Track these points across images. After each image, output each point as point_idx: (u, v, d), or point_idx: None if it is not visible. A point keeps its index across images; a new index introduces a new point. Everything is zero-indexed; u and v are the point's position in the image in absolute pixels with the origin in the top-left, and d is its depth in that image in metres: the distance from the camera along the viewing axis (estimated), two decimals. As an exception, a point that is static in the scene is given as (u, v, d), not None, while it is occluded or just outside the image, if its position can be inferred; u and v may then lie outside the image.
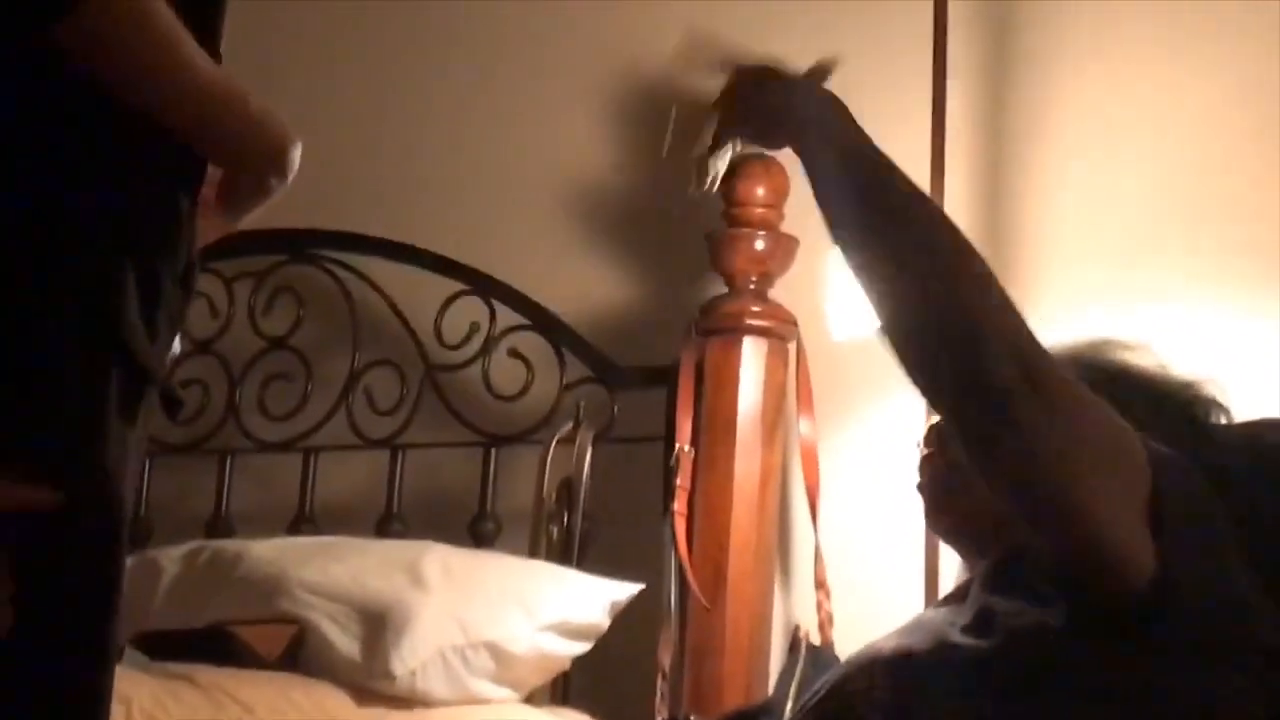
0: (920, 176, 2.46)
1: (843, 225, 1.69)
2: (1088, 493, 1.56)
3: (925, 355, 1.61)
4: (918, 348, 1.62)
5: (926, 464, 1.97)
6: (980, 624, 1.70)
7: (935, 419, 2.00)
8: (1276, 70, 2.70)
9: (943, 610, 1.86)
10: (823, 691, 1.76)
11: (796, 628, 2.62)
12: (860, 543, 2.83)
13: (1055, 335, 2.37)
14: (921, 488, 1.97)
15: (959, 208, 2.79)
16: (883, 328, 1.67)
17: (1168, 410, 1.83)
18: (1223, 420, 1.88)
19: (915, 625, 1.87)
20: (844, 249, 1.70)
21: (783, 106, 1.76)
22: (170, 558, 2.69)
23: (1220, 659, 1.62)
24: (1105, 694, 1.61)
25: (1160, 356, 1.91)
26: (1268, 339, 2.59)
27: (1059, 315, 2.68)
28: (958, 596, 1.86)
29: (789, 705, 2.22)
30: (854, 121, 1.73)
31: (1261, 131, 2.69)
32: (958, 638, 1.72)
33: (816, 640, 2.60)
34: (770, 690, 2.56)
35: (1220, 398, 1.88)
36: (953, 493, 1.90)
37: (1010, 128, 2.90)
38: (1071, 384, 1.62)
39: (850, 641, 2.31)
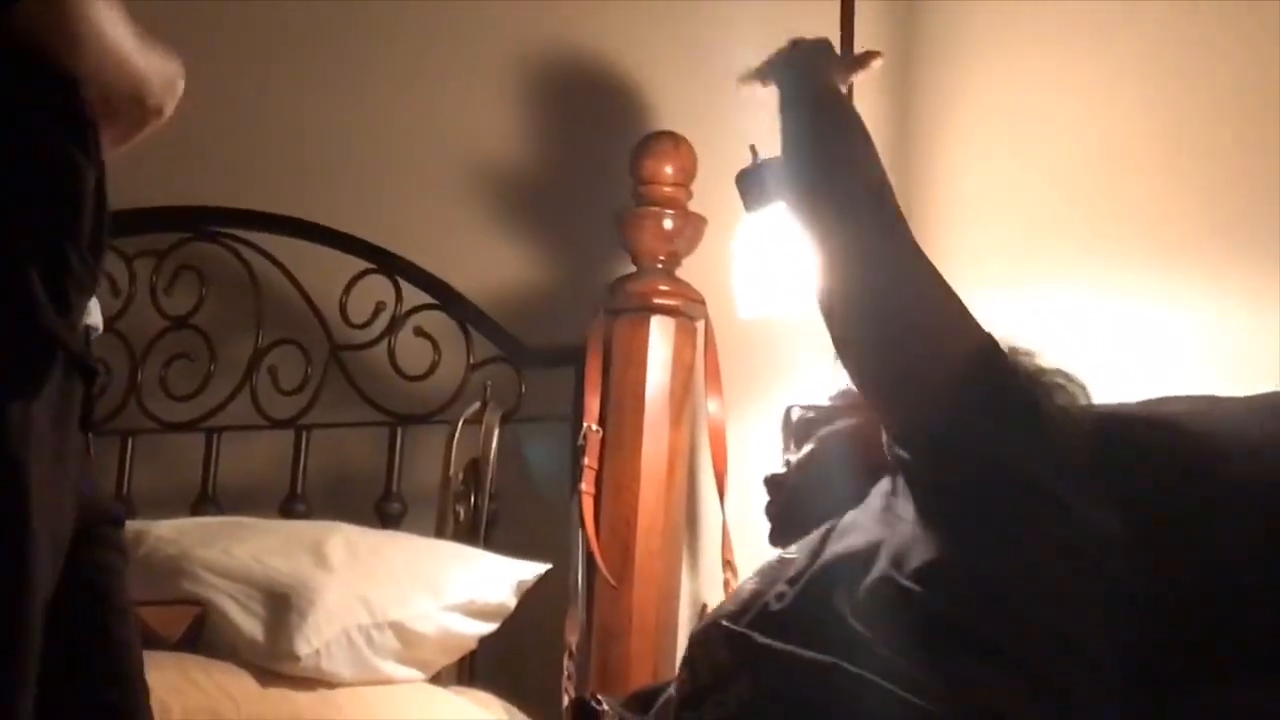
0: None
1: (792, 175, 1.87)
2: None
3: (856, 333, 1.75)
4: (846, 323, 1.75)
5: (774, 488, 2.06)
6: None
7: (774, 469, 2.10)
8: (1173, 63, 2.72)
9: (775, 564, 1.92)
10: (683, 660, 1.82)
11: (704, 607, 2.63)
12: (767, 522, 2.70)
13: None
14: (769, 510, 2.05)
15: None
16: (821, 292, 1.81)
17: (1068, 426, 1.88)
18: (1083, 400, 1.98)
19: (771, 567, 1.93)
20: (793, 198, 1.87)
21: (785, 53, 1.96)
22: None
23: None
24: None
25: (1040, 357, 1.97)
26: (1161, 322, 2.62)
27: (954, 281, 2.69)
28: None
29: None
30: (833, 89, 1.94)
31: (1159, 122, 2.71)
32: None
33: None
34: (677, 669, 2.37)
35: (1083, 389, 1.96)
36: (795, 527, 1.94)
37: (915, 122, 2.91)
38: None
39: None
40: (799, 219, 1.89)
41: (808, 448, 2.10)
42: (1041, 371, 1.98)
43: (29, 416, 1.60)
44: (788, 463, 2.12)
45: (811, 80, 1.97)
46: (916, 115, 2.91)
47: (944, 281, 1.83)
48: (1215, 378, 2.28)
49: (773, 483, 2.12)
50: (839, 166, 1.87)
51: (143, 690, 1.90)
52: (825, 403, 2.12)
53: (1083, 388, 2.01)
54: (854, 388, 2.00)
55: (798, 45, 2.05)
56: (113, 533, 1.92)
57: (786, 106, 1.95)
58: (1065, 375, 1.99)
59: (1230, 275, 2.65)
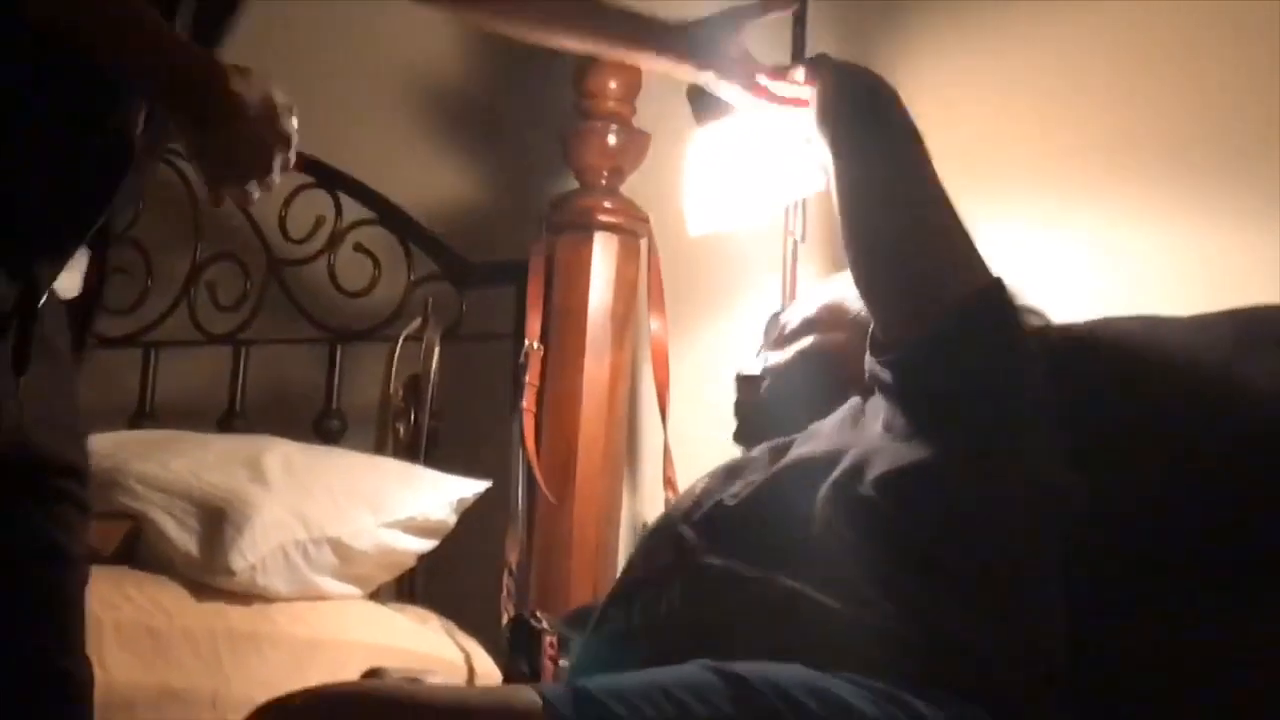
0: (775, 52, 2.44)
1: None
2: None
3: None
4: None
5: (746, 386, 2.05)
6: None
7: (747, 366, 2.10)
8: (1093, 66, 2.70)
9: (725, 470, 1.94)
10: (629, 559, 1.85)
11: (644, 524, 2.63)
12: (708, 441, 2.68)
13: None
14: (739, 408, 2.06)
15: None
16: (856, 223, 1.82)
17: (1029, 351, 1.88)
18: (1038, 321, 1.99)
19: (721, 472, 1.95)
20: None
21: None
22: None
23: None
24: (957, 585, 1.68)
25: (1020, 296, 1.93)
26: (1125, 245, 2.59)
27: None
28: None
29: None
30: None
31: (1082, 113, 2.69)
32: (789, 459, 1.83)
33: None
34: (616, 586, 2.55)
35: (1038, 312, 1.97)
36: (761, 430, 1.97)
37: (869, 35, 2.85)
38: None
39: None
40: (845, 115, 1.89)
41: (787, 354, 2.09)
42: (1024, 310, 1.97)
43: None
44: (765, 362, 2.11)
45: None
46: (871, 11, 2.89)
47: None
48: (1182, 299, 2.25)
49: (745, 380, 2.12)
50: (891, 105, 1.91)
51: (88, 658, 1.86)
52: (811, 312, 2.12)
53: (1047, 321, 2.03)
54: (838, 302, 2.01)
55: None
56: (74, 486, 1.86)
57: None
58: (1034, 311, 1.99)
59: (1192, 195, 2.63)
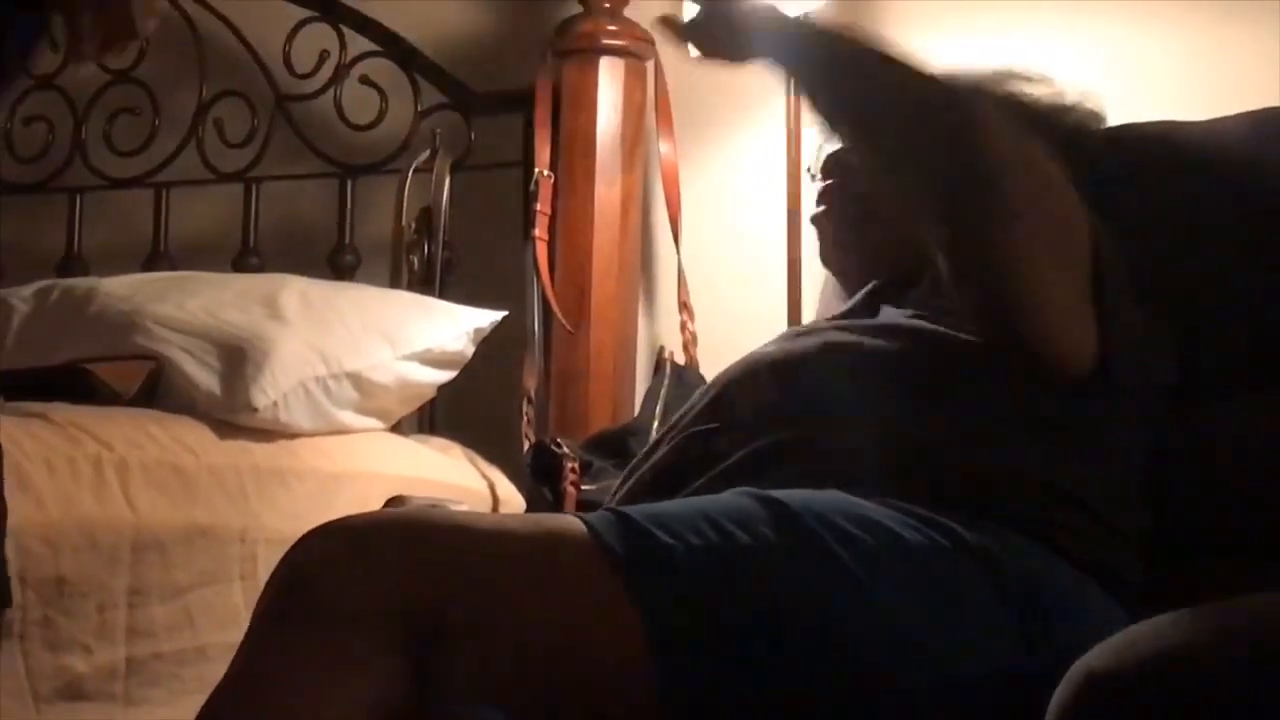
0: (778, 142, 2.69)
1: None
2: (1046, 297, 1.64)
3: (924, 138, 1.64)
4: (917, 134, 1.65)
5: (827, 195, 1.97)
6: (881, 330, 1.75)
7: (830, 147, 1.99)
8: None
9: (822, 324, 1.88)
10: (705, 400, 1.79)
11: (661, 349, 2.64)
12: (723, 263, 2.86)
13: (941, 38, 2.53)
14: (820, 219, 1.98)
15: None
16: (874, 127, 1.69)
17: (1067, 131, 1.88)
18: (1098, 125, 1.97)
19: (793, 334, 1.92)
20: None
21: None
22: (20, 297, 2.66)
23: (1133, 417, 1.72)
24: (1021, 419, 1.65)
25: (1051, 82, 1.96)
26: (1136, 48, 2.58)
27: (923, 10, 2.73)
28: (838, 317, 1.88)
29: (655, 424, 2.27)
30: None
31: None
32: (852, 339, 1.76)
33: (681, 360, 2.62)
34: (636, 411, 2.57)
35: (1098, 108, 1.96)
36: (857, 229, 1.92)
37: None
38: (1046, 163, 1.66)
39: (714, 361, 2.36)
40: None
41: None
42: (1056, 95, 1.95)
43: None
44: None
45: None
46: None
47: None
48: (1196, 101, 2.25)
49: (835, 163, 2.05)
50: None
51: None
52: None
53: (1096, 109, 1.99)
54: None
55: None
56: None
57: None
58: (1078, 95, 1.97)
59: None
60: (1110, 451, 1.72)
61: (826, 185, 1.97)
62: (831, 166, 1.98)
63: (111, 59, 1.79)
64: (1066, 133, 1.92)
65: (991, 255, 1.63)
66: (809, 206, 2.31)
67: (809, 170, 2.09)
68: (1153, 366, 1.77)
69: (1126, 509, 1.69)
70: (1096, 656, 1.26)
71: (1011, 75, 1.98)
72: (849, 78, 1.72)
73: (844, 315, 1.87)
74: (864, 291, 1.90)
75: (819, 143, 2.08)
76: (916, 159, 1.67)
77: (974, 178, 1.63)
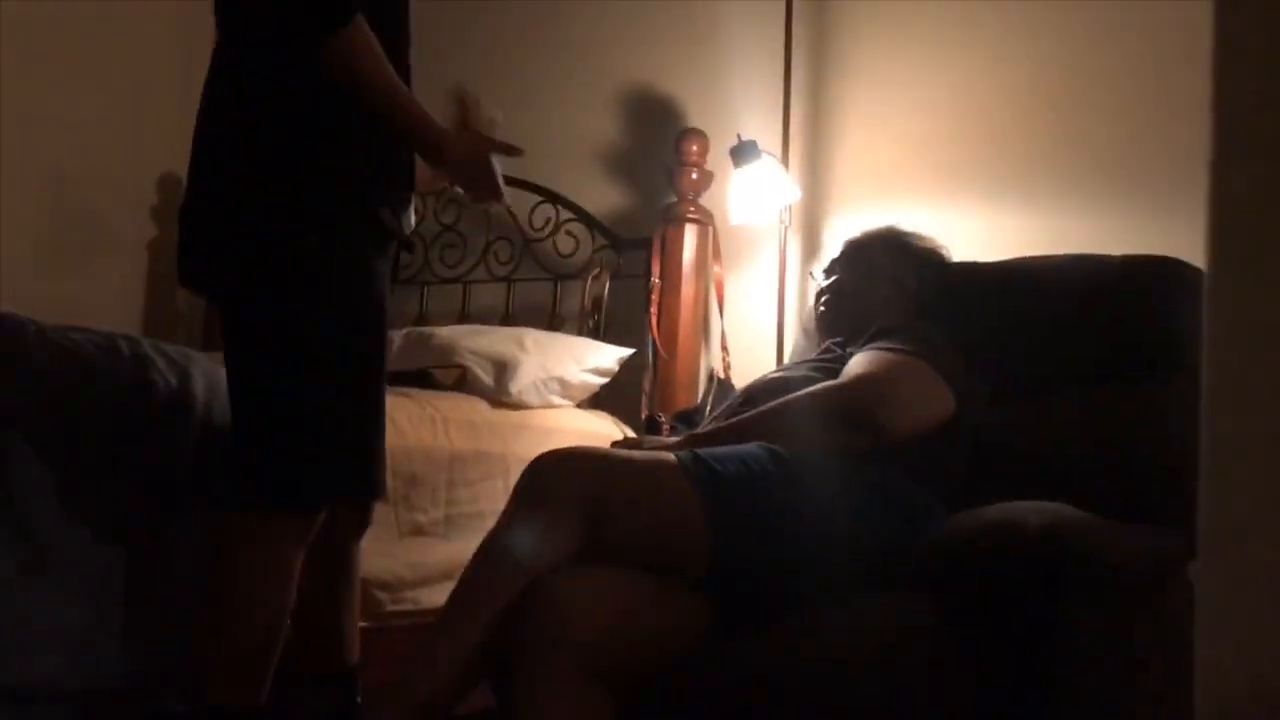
0: (774, 132, 2.78)
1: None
2: (924, 423, 1.66)
3: (831, 441, 1.63)
4: (826, 443, 1.63)
5: (825, 292, 1.96)
6: (835, 367, 1.75)
7: (828, 259, 2.00)
8: (991, 64, 2.65)
9: (801, 362, 1.92)
10: (739, 398, 1.85)
11: (712, 370, 2.76)
12: (744, 326, 2.89)
13: (860, 218, 2.38)
14: (819, 309, 1.96)
15: (799, 144, 2.83)
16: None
17: (933, 267, 1.98)
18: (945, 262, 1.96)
19: (786, 367, 1.96)
20: None
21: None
22: (399, 335, 2.64)
23: (965, 428, 1.74)
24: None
25: (921, 233, 2.01)
26: (977, 227, 2.61)
27: (849, 203, 2.78)
28: (811, 359, 1.89)
29: (708, 409, 2.32)
30: None
31: (983, 103, 2.66)
32: (815, 371, 1.78)
33: (722, 377, 2.70)
34: (698, 402, 2.61)
35: (947, 254, 2.01)
36: (842, 316, 1.91)
37: (826, 96, 2.86)
38: (883, 377, 1.63)
39: (740, 379, 2.52)
40: None
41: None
42: (921, 240, 1.98)
43: (383, 277, 1.67)
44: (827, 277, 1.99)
45: None
46: (827, 91, 2.85)
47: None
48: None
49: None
50: None
51: None
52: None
53: (945, 252, 1.99)
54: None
55: None
56: None
57: None
58: (934, 243, 2.00)
59: (1052, 186, 2.55)
60: (952, 444, 1.72)
61: (828, 297, 1.96)
62: (830, 286, 1.96)
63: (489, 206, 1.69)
64: (934, 266, 1.97)
65: (878, 436, 1.63)
66: (789, 299, 2.70)
67: (811, 273, 2.13)
68: (981, 398, 1.78)
69: (955, 464, 1.72)
70: (938, 530, 1.36)
71: (900, 230, 2.00)
72: (741, 437, 1.64)
73: (815, 358, 1.89)
74: (825, 344, 1.92)
75: (821, 259, 2.10)
76: (816, 434, 1.62)
77: (849, 421, 1.63)
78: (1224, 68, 0.53)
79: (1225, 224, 0.53)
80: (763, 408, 1.63)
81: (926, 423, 1.61)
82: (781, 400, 1.62)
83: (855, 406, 1.57)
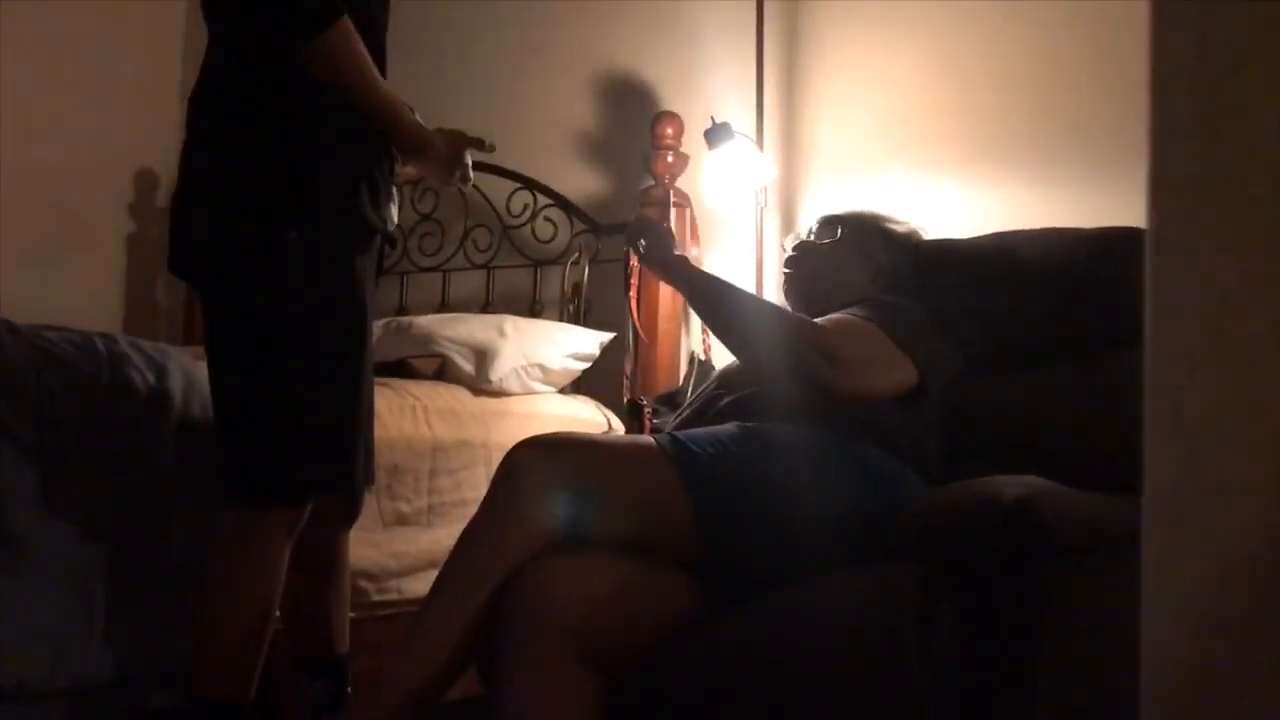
0: (748, 113, 2.75)
1: (710, 319, 1.75)
2: (880, 387, 1.65)
3: (775, 369, 1.65)
4: (770, 366, 1.65)
5: (792, 265, 1.95)
6: None
7: (794, 241, 1.96)
8: (965, 40, 2.62)
9: None
10: (716, 380, 1.87)
11: (693, 353, 2.68)
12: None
13: (837, 196, 2.47)
14: (787, 276, 1.95)
15: (773, 124, 2.80)
16: (744, 357, 1.69)
17: (907, 242, 1.96)
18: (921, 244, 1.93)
19: None
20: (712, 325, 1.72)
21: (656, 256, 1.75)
22: (378, 325, 2.57)
23: (936, 400, 1.74)
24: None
25: (897, 218, 1.98)
26: (952, 203, 2.57)
27: (826, 182, 2.75)
28: None
29: (689, 391, 2.32)
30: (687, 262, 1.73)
31: (957, 78, 2.63)
32: None
33: (703, 359, 2.58)
34: (680, 384, 2.58)
35: (923, 232, 1.99)
36: (809, 299, 1.89)
37: (800, 75, 2.84)
38: (842, 333, 1.62)
39: (719, 361, 2.42)
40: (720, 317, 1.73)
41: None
42: (907, 226, 1.98)
43: (365, 273, 1.67)
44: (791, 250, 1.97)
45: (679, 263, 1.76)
46: (798, 84, 2.82)
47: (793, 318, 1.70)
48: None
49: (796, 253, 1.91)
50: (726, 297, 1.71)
51: None
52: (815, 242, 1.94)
53: (921, 234, 1.97)
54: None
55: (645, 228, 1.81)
56: None
57: (686, 280, 1.77)
58: (909, 225, 1.97)
59: (1031, 158, 2.51)
60: (920, 413, 1.71)
61: (791, 258, 1.95)
62: (797, 248, 1.96)
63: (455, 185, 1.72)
64: (907, 242, 1.96)
65: (827, 384, 1.62)
66: (767, 275, 2.65)
67: (783, 245, 2.01)
68: (948, 369, 1.76)
69: (929, 437, 1.71)
70: (917, 503, 1.34)
71: (877, 214, 1.99)
72: (710, 302, 1.70)
73: None
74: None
75: (794, 232, 2.02)
76: (766, 348, 1.62)
77: (802, 355, 1.60)
78: (1161, 42, 0.54)
79: (1163, 202, 0.53)
80: (745, 294, 1.67)
81: (884, 387, 1.61)
82: (762, 300, 1.70)
83: (814, 343, 1.57)
